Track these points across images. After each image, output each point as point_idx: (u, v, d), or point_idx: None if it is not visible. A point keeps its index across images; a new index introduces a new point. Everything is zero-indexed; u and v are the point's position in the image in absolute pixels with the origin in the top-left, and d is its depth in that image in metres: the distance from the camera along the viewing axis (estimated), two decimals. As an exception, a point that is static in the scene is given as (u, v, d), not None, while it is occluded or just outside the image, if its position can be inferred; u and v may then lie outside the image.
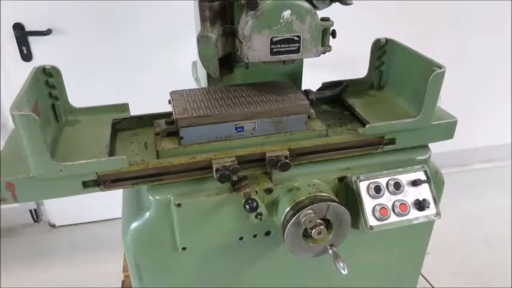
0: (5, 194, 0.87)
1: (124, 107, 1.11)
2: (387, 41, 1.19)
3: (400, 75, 1.18)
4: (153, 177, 0.94)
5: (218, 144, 1.00)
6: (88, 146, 0.98)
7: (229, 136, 1.01)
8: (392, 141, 1.06)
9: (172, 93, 1.08)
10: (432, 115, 1.04)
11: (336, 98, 1.23)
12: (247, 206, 0.92)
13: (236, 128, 1.00)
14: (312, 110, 1.06)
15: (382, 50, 1.20)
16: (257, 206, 0.92)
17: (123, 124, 1.12)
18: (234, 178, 0.94)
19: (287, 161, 0.96)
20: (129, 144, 1.06)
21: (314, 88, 1.21)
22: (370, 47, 1.22)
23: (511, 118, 3.03)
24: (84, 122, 1.08)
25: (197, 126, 0.97)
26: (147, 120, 1.13)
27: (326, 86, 1.23)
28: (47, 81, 1.02)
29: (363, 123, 1.11)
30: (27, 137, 0.80)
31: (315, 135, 1.05)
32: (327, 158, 1.04)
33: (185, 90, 1.10)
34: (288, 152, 0.98)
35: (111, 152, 1.00)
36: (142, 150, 1.03)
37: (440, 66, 0.99)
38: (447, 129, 1.10)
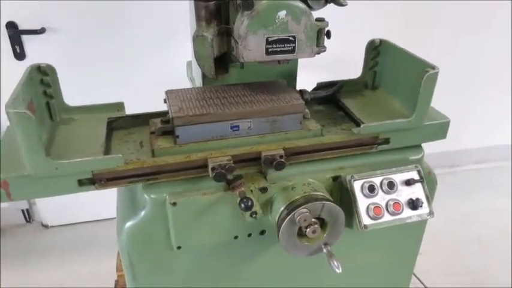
0: (-2, 192, 0.87)
1: (119, 106, 1.11)
2: (381, 41, 1.20)
3: (393, 75, 1.19)
4: (149, 175, 0.94)
5: (213, 143, 1.00)
6: (83, 144, 0.98)
7: (224, 135, 1.01)
8: (386, 141, 1.07)
9: (167, 92, 1.08)
10: (425, 115, 1.05)
11: (331, 98, 1.24)
12: (243, 205, 0.92)
13: (232, 127, 1.01)
14: (306, 110, 1.07)
15: (376, 50, 1.21)
16: (252, 205, 0.93)
17: (118, 123, 1.12)
18: (230, 177, 0.94)
19: (282, 160, 0.97)
20: (124, 143, 1.06)
21: (309, 88, 1.22)
22: (361, 48, 1.22)
23: (511, 120, 3.06)
24: (79, 121, 1.08)
25: (193, 125, 0.97)
26: (142, 120, 1.13)
27: (321, 86, 1.24)
28: (42, 80, 1.02)
29: (357, 123, 1.12)
30: (22, 135, 0.80)
31: (310, 134, 1.05)
32: (322, 158, 1.05)
33: (180, 89, 1.10)
34: (283, 151, 0.98)
35: (107, 151, 0.99)
36: (138, 149, 1.03)
37: (433, 67, 1.00)
38: (440, 129, 1.11)
